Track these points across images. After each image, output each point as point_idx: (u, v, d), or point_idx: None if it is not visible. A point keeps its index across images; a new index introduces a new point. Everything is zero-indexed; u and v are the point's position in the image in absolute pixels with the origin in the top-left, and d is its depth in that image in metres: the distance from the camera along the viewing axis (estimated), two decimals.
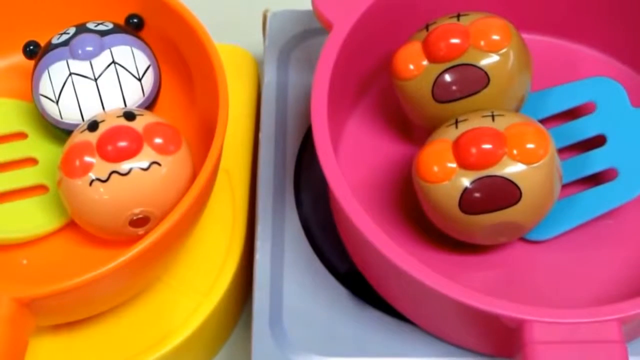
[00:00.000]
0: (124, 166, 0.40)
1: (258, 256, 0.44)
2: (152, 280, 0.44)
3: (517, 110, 0.43)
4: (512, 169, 0.38)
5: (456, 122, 0.40)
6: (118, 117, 0.42)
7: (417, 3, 0.45)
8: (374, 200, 0.44)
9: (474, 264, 0.42)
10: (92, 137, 0.41)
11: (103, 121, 0.41)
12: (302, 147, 0.47)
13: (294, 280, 0.43)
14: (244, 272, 0.47)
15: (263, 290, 0.43)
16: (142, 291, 0.44)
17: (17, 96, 0.48)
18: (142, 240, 0.39)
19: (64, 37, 0.44)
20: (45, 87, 0.44)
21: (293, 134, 0.48)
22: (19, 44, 0.46)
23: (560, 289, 0.41)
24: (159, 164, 0.41)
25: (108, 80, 0.44)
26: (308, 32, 0.52)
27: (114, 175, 0.40)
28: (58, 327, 0.43)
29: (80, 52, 0.44)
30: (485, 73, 0.41)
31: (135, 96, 0.44)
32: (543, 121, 0.44)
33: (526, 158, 0.38)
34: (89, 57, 0.44)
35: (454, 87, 0.41)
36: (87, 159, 0.40)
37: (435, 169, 0.39)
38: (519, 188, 0.38)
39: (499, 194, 0.39)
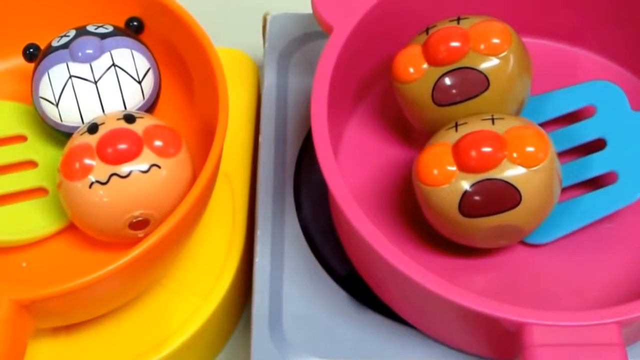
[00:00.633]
0: (124, 169, 0.40)
1: (257, 259, 0.44)
2: (151, 283, 0.44)
3: (517, 113, 0.43)
4: (512, 172, 0.38)
5: (456, 125, 0.40)
6: (118, 119, 0.42)
7: (418, 6, 0.45)
8: (373, 204, 0.44)
9: (473, 267, 0.42)
10: (92, 140, 0.41)
11: (103, 124, 0.41)
12: (302, 150, 0.47)
13: (294, 283, 0.43)
14: (243, 275, 0.47)
15: (262, 294, 0.43)
16: (141, 294, 0.44)
17: (17, 99, 0.48)
18: (141, 243, 0.39)
19: (64, 40, 0.44)
20: (45, 89, 0.44)
21: (293, 137, 0.48)
22: (19, 46, 0.46)
23: (560, 292, 0.41)
24: (159, 167, 0.41)
25: (108, 83, 0.44)
26: (308, 35, 0.52)
27: (114, 178, 0.40)
28: (57, 330, 0.43)
29: (80, 54, 0.44)
30: (485, 76, 0.41)
31: (135, 99, 0.44)
32: (543, 125, 0.44)
33: (526, 161, 0.38)
34: (89, 59, 0.44)
35: (454, 91, 0.41)
36: (87, 161, 0.40)
37: (435, 172, 0.39)
38: (518, 191, 0.38)
39: (498, 197, 0.39)
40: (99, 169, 0.40)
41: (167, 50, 0.47)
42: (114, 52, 0.44)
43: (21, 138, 0.47)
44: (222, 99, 0.42)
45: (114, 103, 0.44)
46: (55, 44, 0.45)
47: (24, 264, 0.44)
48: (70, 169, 0.41)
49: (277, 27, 0.52)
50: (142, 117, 0.42)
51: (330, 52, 0.42)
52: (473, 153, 0.39)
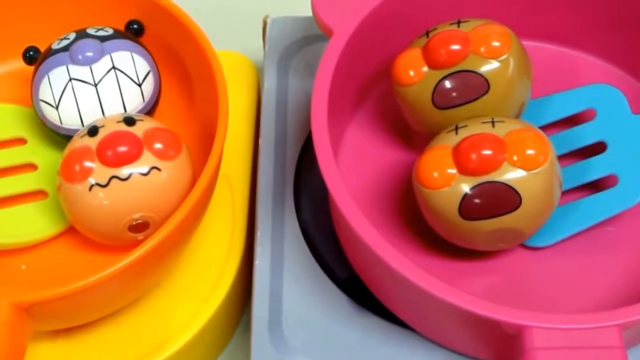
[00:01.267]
0: (124, 171, 0.40)
1: (257, 262, 0.44)
2: (151, 286, 0.44)
3: (517, 116, 0.43)
4: (512, 175, 0.38)
5: (456, 128, 0.40)
6: (118, 122, 0.42)
7: (418, 9, 0.45)
8: (374, 207, 0.44)
9: (474, 270, 0.42)
10: (92, 142, 0.41)
11: (103, 126, 0.41)
12: (302, 152, 0.47)
13: (294, 286, 0.43)
14: (243, 278, 0.47)
15: (262, 296, 0.43)
16: (141, 297, 0.44)
17: (17, 102, 0.48)
18: (141, 246, 0.39)
19: (64, 43, 0.44)
20: (45, 92, 0.44)
21: (293, 140, 0.48)
22: (18, 49, 0.46)
23: (561, 295, 0.41)
24: (159, 169, 0.41)
25: (108, 86, 0.44)
26: (308, 38, 0.52)
27: (114, 180, 0.40)
28: (56, 333, 0.43)
29: (80, 57, 0.44)
30: (486, 79, 0.41)
31: (135, 102, 0.44)
32: (543, 128, 0.44)
33: (526, 164, 0.38)
34: (89, 62, 0.44)
35: (454, 94, 0.41)
36: (87, 164, 0.40)
37: (436, 175, 0.39)
38: (518, 194, 0.38)
39: (498, 200, 0.39)
40: (99, 172, 0.40)
41: (167, 53, 0.47)
42: (114, 54, 0.44)
43: (21, 141, 0.47)
44: (222, 102, 0.42)
45: (114, 106, 0.44)
46: (55, 46, 0.45)
47: (23, 267, 0.44)
48: (70, 172, 0.41)
49: (277, 30, 0.52)
50: (142, 120, 0.42)
51: (330, 55, 0.42)
52: (473, 156, 0.39)
